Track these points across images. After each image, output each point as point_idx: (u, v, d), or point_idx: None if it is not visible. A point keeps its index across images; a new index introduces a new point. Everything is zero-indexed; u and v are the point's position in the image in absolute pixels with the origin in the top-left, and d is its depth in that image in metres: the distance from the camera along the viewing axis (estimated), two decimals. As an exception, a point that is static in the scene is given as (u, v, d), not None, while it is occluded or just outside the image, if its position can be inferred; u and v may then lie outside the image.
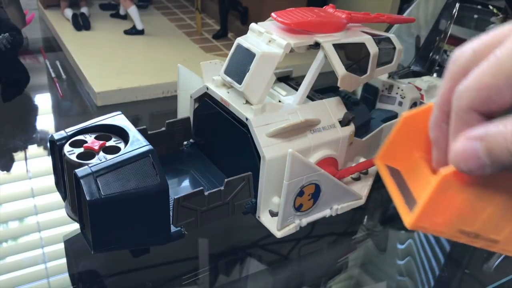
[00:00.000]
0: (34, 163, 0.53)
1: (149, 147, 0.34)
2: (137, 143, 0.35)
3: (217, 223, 0.39)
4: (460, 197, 0.28)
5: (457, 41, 0.92)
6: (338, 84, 0.40)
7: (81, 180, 0.31)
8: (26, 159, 0.53)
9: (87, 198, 0.31)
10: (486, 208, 0.30)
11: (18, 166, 0.52)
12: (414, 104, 0.51)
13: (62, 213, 0.39)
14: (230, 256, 0.42)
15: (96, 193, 0.31)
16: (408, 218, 0.27)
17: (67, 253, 0.41)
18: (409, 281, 0.41)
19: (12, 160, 0.53)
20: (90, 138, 0.37)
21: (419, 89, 0.55)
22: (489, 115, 0.23)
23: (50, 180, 0.41)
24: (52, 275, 0.39)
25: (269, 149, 0.38)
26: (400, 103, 0.51)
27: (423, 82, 0.58)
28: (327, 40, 0.40)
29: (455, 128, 0.25)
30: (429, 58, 0.54)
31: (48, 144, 0.38)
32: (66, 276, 0.39)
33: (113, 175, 0.32)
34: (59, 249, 0.41)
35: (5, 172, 0.51)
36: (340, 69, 0.40)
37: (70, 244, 0.41)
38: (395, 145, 0.36)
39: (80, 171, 0.32)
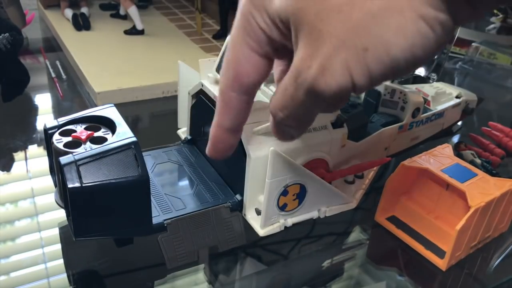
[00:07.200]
0: (34, 163, 0.53)
1: (133, 138, 0.35)
2: (123, 135, 0.35)
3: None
4: (469, 232, 0.40)
5: (457, 41, 0.92)
6: None
7: (64, 168, 0.32)
8: (26, 159, 0.53)
9: (68, 186, 0.31)
10: (482, 223, 0.41)
11: (18, 166, 0.52)
12: (417, 110, 0.51)
13: (62, 213, 0.39)
14: (230, 256, 0.42)
15: (77, 181, 0.32)
16: (440, 262, 0.41)
17: (64, 252, 0.41)
18: (409, 281, 0.41)
19: (12, 160, 0.53)
20: (80, 128, 0.37)
21: (426, 95, 0.55)
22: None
23: (50, 180, 0.41)
24: (52, 275, 0.39)
25: (255, 147, 0.38)
26: (403, 108, 0.51)
27: (432, 88, 0.57)
28: None
29: None
30: (434, 61, 0.54)
31: (43, 134, 0.38)
32: (66, 276, 0.39)
33: (95, 164, 0.33)
34: (59, 249, 0.41)
35: (5, 172, 0.51)
36: None
37: (68, 244, 0.41)
38: (387, 199, 0.44)
39: (63, 159, 0.33)
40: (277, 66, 0.29)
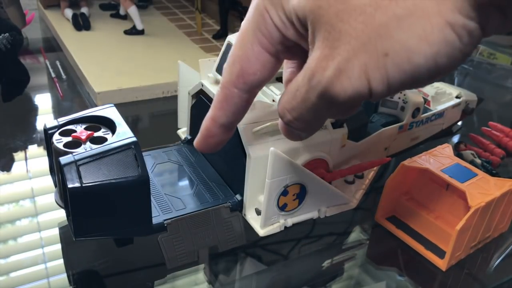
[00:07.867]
0: (34, 163, 0.53)
1: (133, 139, 0.35)
2: (123, 135, 0.35)
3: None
4: (469, 232, 0.40)
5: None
6: None
7: (64, 168, 0.32)
8: (26, 159, 0.53)
9: (68, 186, 0.32)
10: (482, 223, 0.41)
11: (18, 166, 0.52)
12: (417, 110, 0.50)
13: (62, 213, 0.39)
14: (230, 256, 0.42)
15: (77, 181, 0.32)
16: (440, 262, 0.41)
17: (64, 252, 0.41)
18: (409, 281, 0.41)
19: (12, 160, 0.53)
20: (79, 128, 0.37)
21: (426, 95, 0.55)
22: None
23: (50, 180, 0.41)
24: (52, 275, 0.39)
25: (255, 147, 0.38)
26: (403, 108, 0.51)
27: (432, 88, 0.57)
28: None
29: None
30: None
31: (43, 134, 0.38)
32: (66, 276, 0.39)
33: (96, 164, 0.33)
34: (59, 249, 0.41)
35: (5, 172, 0.51)
36: None
37: (68, 244, 0.41)
38: (387, 199, 0.44)
39: (63, 159, 0.33)
40: (287, 67, 0.28)
